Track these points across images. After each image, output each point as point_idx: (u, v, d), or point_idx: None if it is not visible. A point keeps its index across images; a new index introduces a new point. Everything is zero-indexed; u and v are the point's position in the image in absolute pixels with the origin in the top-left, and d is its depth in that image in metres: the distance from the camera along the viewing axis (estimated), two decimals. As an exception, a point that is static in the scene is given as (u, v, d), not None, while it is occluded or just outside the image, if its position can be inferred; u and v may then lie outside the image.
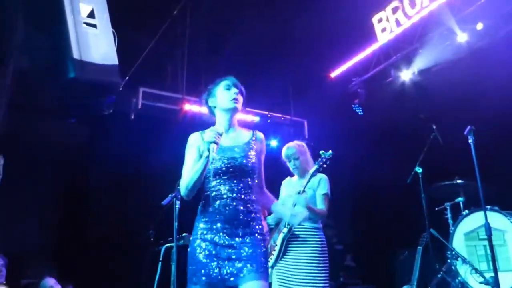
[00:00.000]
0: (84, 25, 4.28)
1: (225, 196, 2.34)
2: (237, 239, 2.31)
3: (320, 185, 3.60)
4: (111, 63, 4.20)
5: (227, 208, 2.33)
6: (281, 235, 3.50)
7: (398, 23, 6.24)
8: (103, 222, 6.23)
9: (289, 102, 7.96)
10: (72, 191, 6.27)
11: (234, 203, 2.33)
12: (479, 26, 5.54)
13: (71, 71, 4.03)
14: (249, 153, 2.43)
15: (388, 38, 6.43)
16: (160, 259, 3.70)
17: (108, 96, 4.37)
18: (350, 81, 7.18)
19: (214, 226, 2.33)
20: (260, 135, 2.57)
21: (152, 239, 4.42)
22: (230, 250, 2.30)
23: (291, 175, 3.84)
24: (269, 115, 7.70)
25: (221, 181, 2.36)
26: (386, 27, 6.41)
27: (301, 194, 3.42)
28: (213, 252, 2.30)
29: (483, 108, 5.15)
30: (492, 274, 3.64)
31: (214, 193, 2.36)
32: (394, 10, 6.27)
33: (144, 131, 6.42)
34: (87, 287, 5.54)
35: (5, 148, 5.24)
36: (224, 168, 2.35)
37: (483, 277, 4.16)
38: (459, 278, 4.35)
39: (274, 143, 7.54)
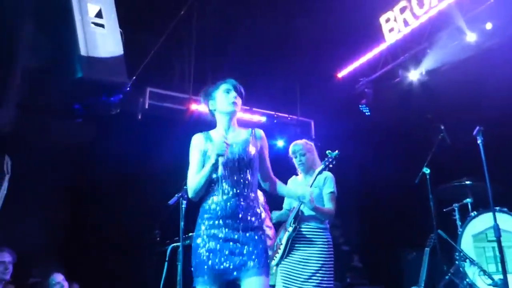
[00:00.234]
0: (92, 25, 4.30)
1: (226, 191, 2.43)
2: (239, 233, 2.40)
3: (326, 183, 3.59)
4: (119, 63, 4.21)
5: (228, 203, 2.42)
6: (287, 234, 3.49)
7: (406, 23, 6.20)
8: (110, 221, 6.25)
9: (295, 102, 7.95)
10: (79, 191, 6.29)
11: (235, 199, 2.42)
12: (488, 26, 5.49)
13: (78, 70, 4.05)
14: (247, 149, 2.52)
15: (396, 38, 6.39)
16: (166, 259, 3.70)
17: (115, 96, 4.39)
18: (358, 81, 7.14)
19: (216, 222, 2.41)
20: (259, 131, 2.67)
21: (158, 239, 4.42)
22: (232, 244, 2.38)
23: (297, 174, 3.83)
24: (275, 115, 7.69)
25: (223, 175, 2.45)
26: (394, 27, 6.37)
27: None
28: (216, 247, 2.38)
29: (491, 108, 5.10)
30: (501, 276, 3.60)
31: (215, 189, 2.46)
32: (402, 10, 6.23)
33: (151, 131, 6.44)
34: (92, 286, 5.56)
35: (12, 147, 5.28)
36: (224, 162, 2.44)
37: (492, 279, 4.12)
38: (467, 280, 4.31)
39: (280, 143, 7.53)
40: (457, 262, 4.45)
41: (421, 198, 4.65)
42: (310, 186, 3.46)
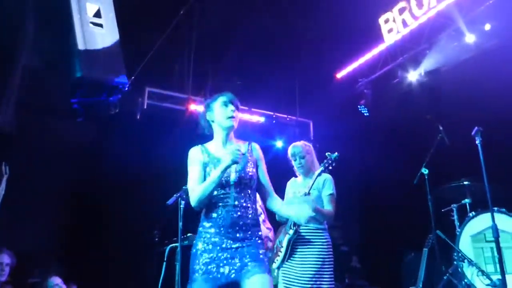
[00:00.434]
0: (91, 25, 4.31)
1: (228, 204, 2.48)
2: (238, 243, 2.45)
3: (325, 185, 3.59)
4: (117, 62, 4.22)
5: (230, 214, 2.47)
6: (287, 237, 3.49)
7: (405, 24, 6.21)
8: (109, 221, 6.25)
9: (294, 102, 7.96)
10: (78, 191, 6.29)
11: (236, 211, 2.48)
12: (487, 27, 5.50)
13: (77, 70, 4.06)
14: (246, 166, 2.57)
15: (395, 39, 6.40)
16: (165, 259, 3.70)
17: (114, 96, 4.39)
18: (357, 82, 7.16)
19: (217, 230, 2.46)
20: (255, 145, 2.70)
21: (156, 239, 4.42)
22: (231, 251, 2.43)
23: (296, 175, 3.83)
24: (274, 116, 7.70)
25: (224, 191, 2.50)
26: (393, 27, 6.38)
27: (307, 195, 3.41)
28: (216, 254, 2.43)
29: (490, 109, 5.11)
30: (499, 277, 3.61)
31: (218, 201, 2.50)
32: (401, 11, 6.24)
33: (150, 130, 6.45)
34: (91, 287, 5.56)
35: (12, 146, 5.27)
36: (226, 180, 2.49)
37: (490, 279, 4.12)
38: (465, 280, 4.31)
39: (279, 143, 7.54)
40: (455, 263, 4.46)
41: (420, 198, 4.66)
42: (310, 189, 3.46)
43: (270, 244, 3.94)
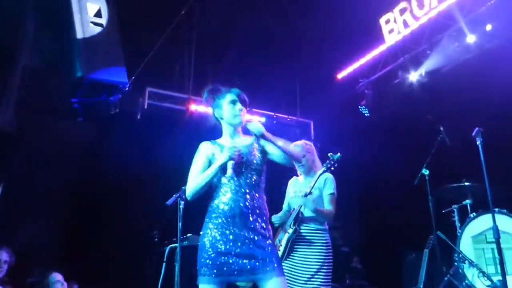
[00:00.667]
0: (91, 25, 4.31)
1: (234, 191, 2.49)
2: (247, 232, 2.44)
3: (326, 185, 3.58)
4: (118, 62, 4.22)
5: (236, 203, 2.48)
6: (286, 236, 3.49)
7: (406, 24, 6.20)
8: (109, 221, 6.24)
9: (295, 102, 7.95)
10: (78, 191, 6.28)
11: (243, 199, 2.48)
12: (488, 27, 5.48)
13: (78, 70, 4.06)
14: (253, 153, 2.60)
15: (395, 40, 6.39)
16: (164, 259, 3.70)
17: (114, 96, 4.39)
18: (357, 82, 7.14)
19: (225, 220, 2.46)
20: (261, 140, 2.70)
21: (156, 239, 4.41)
22: (241, 244, 2.42)
23: (296, 174, 3.82)
24: (275, 116, 7.69)
25: (230, 178, 2.51)
26: (394, 28, 6.37)
27: (308, 195, 3.40)
28: (225, 246, 2.42)
29: (491, 110, 5.10)
30: (500, 278, 3.60)
31: (223, 189, 2.51)
32: (402, 11, 6.23)
33: (150, 131, 6.44)
34: (92, 286, 5.55)
35: (12, 146, 5.27)
36: (232, 164, 2.50)
37: (491, 280, 4.11)
38: (466, 281, 4.30)
39: (280, 143, 7.50)
40: (456, 263, 4.45)
41: (421, 199, 4.65)
42: (311, 188, 3.45)
43: None
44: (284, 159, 2.64)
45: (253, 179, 2.55)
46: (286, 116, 7.89)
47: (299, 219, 3.49)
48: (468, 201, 4.72)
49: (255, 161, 2.58)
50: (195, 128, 6.75)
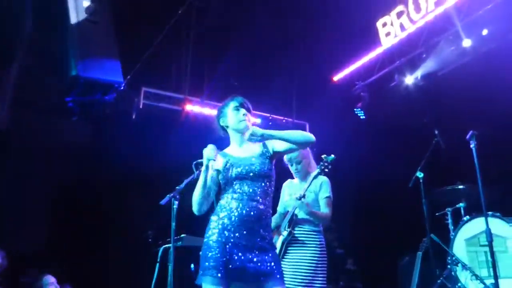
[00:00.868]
0: (87, 23, 4.30)
1: (244, 197, 2.55)
2: (253, 237, 2.50)
3: (322, 188, 3.57)
4: (113, 61, 4.21)
5: (245, 207, 2.53)
6: (281, 238, 3.48)
7: (402, 28, 6.22)
8: (103, 222, 6.22)
9: (291, 104, 7.95)
10: (72, 191, 6.26)
11: (251, 204, 2.54)
12: (485, 31, 5.51)
13: (72, 68, 4.04)
14: (262, 160, 2.66)
15: (392, 43, 6.41)
16: (158, 260, 3.68)
17: (109, 95, 4.38)
18: (354, 85, 7.16)
19: (230, 225, 2.50)
20: (268, 142, 2.77)
21: (150, 240, 4.40)
22: (246, 247, 2.47)
23: (292, 177, 3.82)
24: (270, 117, 7.69)
25: (237, 184, 2.58)
26: (391, 31, 6.39)
27: (302, 199, 3.40)
28: (230, 249, 2.46)
29: (486, 113, 5.12)
30: (493, 281, 3.61)
31: (230, 194, 2.58)
32: (399, 15, 6.25)
33: (145, 131, 6.42)
34: (85, 287, 5.53)
35: (6, 145, 5.25)
36: (244, 173, 2.58)
37: (484, 283, 4.12)
38: (459, 284, 4.31)
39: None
40: (449, 266, 4.46)
41: (415, 202, 4.66)
42: (305, 191, 3.45)
43: None
44: (297, 145, 2.69)
45: (261, 186, 2.60)
46: (282, 118, 7.89)
47: (294, 222, 3.49)
48: (461, 204, 4.74)
49: (265, 170, 2.62)
50: (191, 129, 6.75)
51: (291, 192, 3.70)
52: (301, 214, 3.50)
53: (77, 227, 6.18)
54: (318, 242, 3.49)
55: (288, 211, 3.58)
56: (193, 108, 6.96)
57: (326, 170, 3.44)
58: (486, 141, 3.75)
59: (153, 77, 6.80)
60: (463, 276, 4.32)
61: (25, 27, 4.63)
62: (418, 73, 6.35)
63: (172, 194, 2.90)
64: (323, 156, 3.46)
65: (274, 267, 2.49)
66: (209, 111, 7.04)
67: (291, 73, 7.62)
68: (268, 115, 7.68)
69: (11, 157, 5.78)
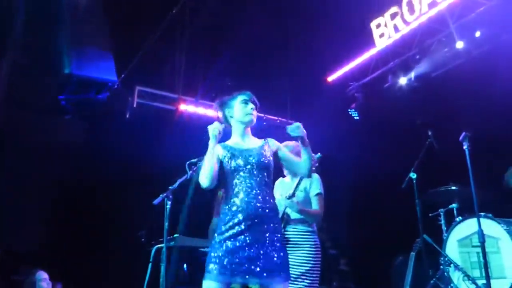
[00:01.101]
0: (81, 22, 4.27)
1: (246, 192, 2.56)
2: (259, 233, 2.51)
3: (313, 185, 3.56)
4: (107, 60, 4.19)
5: (249, 204, 2.54)
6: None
7: (396, 29, 6.24)
8: (96, 221, 6.19)
9: (286, 104, 7.95)
10: (65, 189, 6.22)
11: (255, 200, 2.55)
12: (477, 33, 5.55)
13: (66, 67, 4.01)
14: (264, 153, 2.69)
15: (386, 44, 6.43)
16: (150, 260, 3.67)
17: (103, 94, 4.36)
18: (348, 86, 7.17)
19: (237, 221, 2.51)
20: (271, 140, 2.84)
21: (143, 239, 4.38)
22: (253, 245, 2.48)
23: (284, 176, 3.81)
24: (264, 117, 7.68)
25: (241, 178, 2.59)
26: (384, 32, 6.41)
27: (291, 197, 3.39)
28: (236, 247, 2.47)
29: (479, 115, 5.15)
30: (485, 281, 3.63)
31: (236, 190, 2.58)
32: (393, 16, 6.28)
33: (139, 130, 6.39)
34: (76, 286, 5.49)
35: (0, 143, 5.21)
36: (243, 164, 2.60)
37: (476, 284, 4.14)
38: (451, 284, 4.33)
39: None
40: (442, 267, 4.48)
41: (409, 202, 4.67)
42: (294, 190, 3.44)
43: None
44: (300, 169, 2.76)
45: (264, 180, 2.62)
46: (276, 118, 7.89)
47: (285, 221, 3.48)
48: (454, 205, 4.76)
49: (266, 162, 2.65)
50: (185, 128, 6.73)
51: (282, 191, 3.69)
52: (293, 214, 3.50)
53: (69, 226, 6.15)
54: (312, 243, 3.48)
55: (279, 211, 3.57)
56: (187, 107, 6.94)
57: (313, 168, 3.43)
58: (479, 142, 3.77)
59: (147, 76, 6.77)
60: (455, 276, 4.34)
61: (17, 24, 4.59)
62: (412, 74, 6.37)
63: (165, 194, 2.89)
64: None
65: (279, 262, 2.48)
66: (203, 111, 7.02)
67: (285, 74, 7.61)
68: (263, 115, 7.67)
69: (4, 155, 5.74)
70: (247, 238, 2.48)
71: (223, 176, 2.62)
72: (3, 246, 5.11)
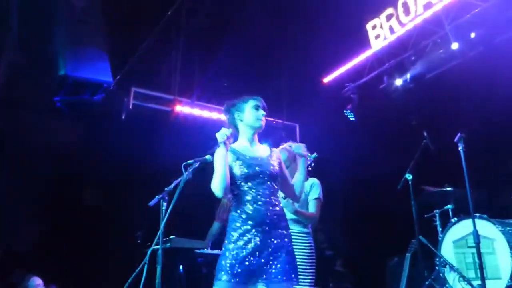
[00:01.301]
0: (77, 23, 4.26)
1: (255, 198, 2.60)
2: (269, 240, 2.55)
3: (313, 189, 3.59)
4: (102, 61, 4.17)
5: (258, 210, 2.58)
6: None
7: (392, 30, 6.26)
8: (92, 222, 6.17)
9: (282, 105, 7.96)
10: (61, 191, 6.20)
11: (265, 207, 2.60)
12: (473, 35, 5.57)
13: (61, 68, 4.00)
14: (272, 162, 2.75)
15: (381, 45, 6.45)
16: (146, 261, 3.65)
17: (98, 95, 4.34)
18: (344, 87, 7.18)
19: (247, 228, 2.55)
20: (275, 150, 2.92)
21: (139, 241, 4.37)
22: (260, 253, 2.51)
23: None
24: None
25: (251, 185, 2.62)
26: (380, 34, 6.43)
27: (287, 198, 3.40)
28: (247, 253, 2.50)
29: (474, 116, 5.17)
30: (480, 282, 3.64)
31: (245, 195, 2.61)
32: (388, 18, 6.29)
33: (135, 131, 6.37)
34: (75, 287, 5.48)
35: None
36: (253, 174, 2.63)
37: (471, 284, 4.16)
38: (447, 285, 4.35)
39: (265, 146, 7.49)
40: (437, 268, 4.49)
41: (404, 203, 4.68)
42: None
43: None
44: (290, 193, 2.86)
45: (274, 188, 2.67)
46: (272, 119, 7.88)
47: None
48: (450, 206, 4.78)
49: (275, 171, 2.70)
50: (180, 130, 6.72)
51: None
52: (289, 215, 3.50)
53: (65, 227, 6.12)
54: (306, 244, 3.49)
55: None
56: (183, 109, 6.93)
57: (309, 168, 3.44)
58: (474, 143, 3.79)
59: (143, 77, 6.75)
60: (451, 277, 4.36)
61: (14, 25, 4.58)
62: (407, 75, 6.39)
63: (161, 195, 2.88)
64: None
65: (287, 268, 2.52)
66: (199, 112, 7.01)
67: (281, 75, 7.62)
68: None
69: (2, 155, 5.72)
70: (258, 245, 2.51)
71: (231, 182, 2.63)
72: (2, 246, 5.09)
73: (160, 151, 6.04)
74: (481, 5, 5.41)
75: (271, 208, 2.61)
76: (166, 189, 2.88)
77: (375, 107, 6.78)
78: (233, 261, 2.48)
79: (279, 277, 2.49)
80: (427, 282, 4.49)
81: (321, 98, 7.35)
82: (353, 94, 7.01)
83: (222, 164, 2.56)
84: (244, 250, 2.49)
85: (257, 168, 2.64)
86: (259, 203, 2.58)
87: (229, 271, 2.45)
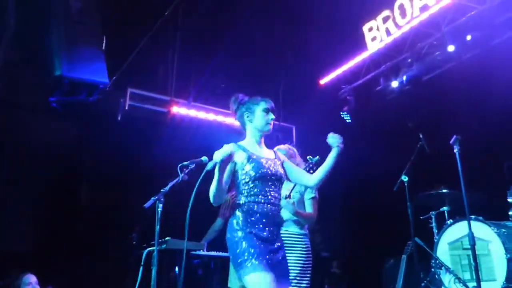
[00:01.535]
0: (74, 23, 4.25)
1: (263, 197, 2.68)
2: (278, 239, 2.69)
3: (308, 189, 3.58)
4: (98, 61, 4.16)
5: (266, 209, 2.66)
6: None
7: (388, 33, 6.28)
8: (88, 223, 6.15)
9: (278, 107, 7.94)
10: (57, 191, 6.17)
11: (271, 205, 2.69)
12: (469, 37, 5.59)
13: (57, 68, 3.98)
14: (277, 164, 2.83)
15: (378, 47, 6.46)
16: (142, 263, 3.65)
17: (94, 95, 4.33)
18: (340, 89, 7.19)
19: (256, 221, 2.63)
20: (279, 152, 3.04)
21: (134, 242, 4.35)
22: (271, 246, 2.62)
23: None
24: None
25: (259, 185, 2.69)
26: (376, 36, 6.44)
27: (287, 198, 3.40)
28: (259, 244, 2.57)
29: (470, 118, 5.19)
30: (475, 284, 3.65)
31: (252, 194, 2.68)
32: (385, 20, 6.31)
33: (130, 132, 6.35)
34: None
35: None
36: (262, 174, 2.69)
37: (466, 286, 4.17)
38: (442, 287, 4.35)
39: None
40: (433, 270, 4.50)
41: (400, 205, 4.69)
42: (290, 191, 3.46)
43: None
44: (304, 180, 2.92)
45: (278, 189, 2.77)
46: (269, 120, 7.88)
47: (279, 222, 3.48)
48: (445, 208, 4.79)
49: (280, 174, 2.79)
50: (177, 131, 6.71)
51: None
52: (286, 215, 3.50)
53: (61, 228, 6.09)
54: (304, 246, 3.49)
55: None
56: (179, 110, 6.91)
57: (312, 171, 3.44)
58: (470, 145, 3.80)
59: (139, 78, 6.73)
60: (446, 279, 4.36)
61: (8, 24, 4.56)
62: (404, 77, 6.40)
63: (156, 197, 2.87)
64: (308, 157, 3.47)
65: (288, 267, 2.72)
66: (195, 113, 7.00)
67: (278, 76, 7.62)
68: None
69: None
70: (273, 244, 2.63)
71: (238, 179, 2.71)
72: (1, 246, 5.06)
73: (156, 152, 6.03)
74: (477, 8, 5.43)
75: (275, 209, 2.71)
76: (162, 190, 2.87)
77: (372, 109, 6.80)
78: (258, 254, 2.52)
79: (288, 275, 2.69)
80: (423, 284, 4.50)
81: (317, 100, 7.36)
82: (349, 96, 7.02)
83: (217, 180, 2.61)
84: (265, 248, 2.57)
85: (265, 169, 2.70)
86: (267, 203, 2.67)
87: (261, 260, 2.51)
